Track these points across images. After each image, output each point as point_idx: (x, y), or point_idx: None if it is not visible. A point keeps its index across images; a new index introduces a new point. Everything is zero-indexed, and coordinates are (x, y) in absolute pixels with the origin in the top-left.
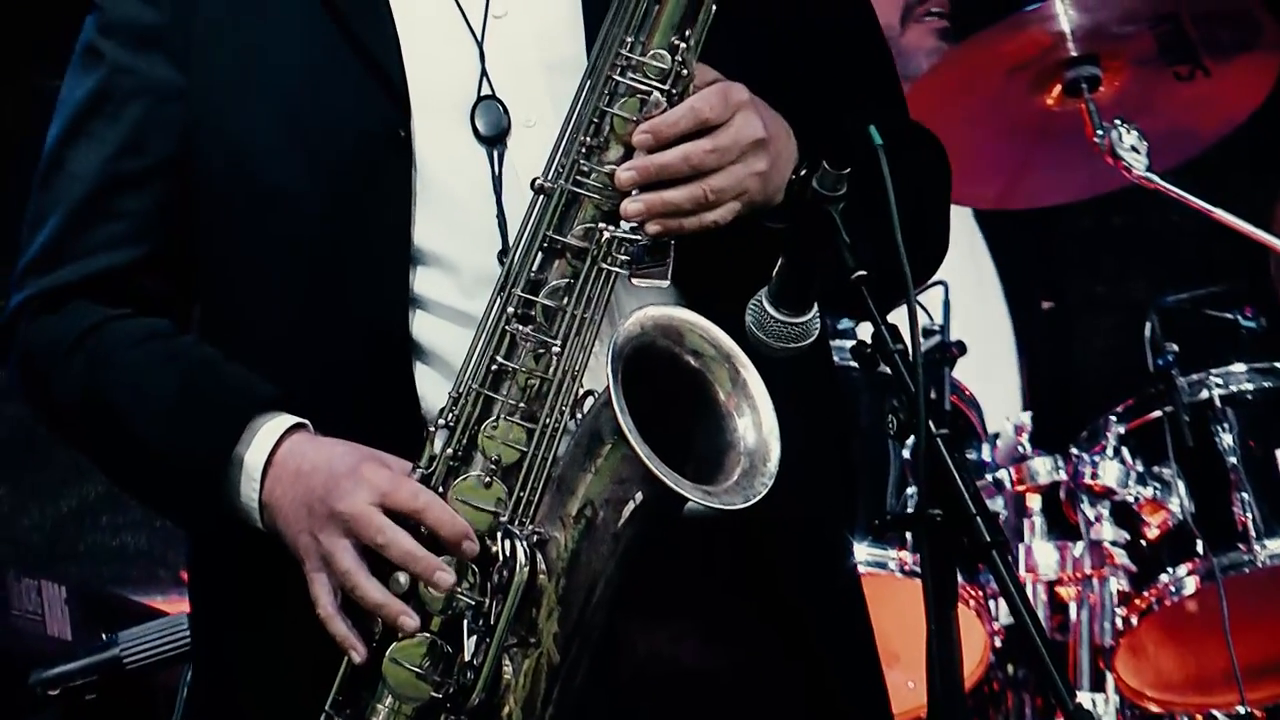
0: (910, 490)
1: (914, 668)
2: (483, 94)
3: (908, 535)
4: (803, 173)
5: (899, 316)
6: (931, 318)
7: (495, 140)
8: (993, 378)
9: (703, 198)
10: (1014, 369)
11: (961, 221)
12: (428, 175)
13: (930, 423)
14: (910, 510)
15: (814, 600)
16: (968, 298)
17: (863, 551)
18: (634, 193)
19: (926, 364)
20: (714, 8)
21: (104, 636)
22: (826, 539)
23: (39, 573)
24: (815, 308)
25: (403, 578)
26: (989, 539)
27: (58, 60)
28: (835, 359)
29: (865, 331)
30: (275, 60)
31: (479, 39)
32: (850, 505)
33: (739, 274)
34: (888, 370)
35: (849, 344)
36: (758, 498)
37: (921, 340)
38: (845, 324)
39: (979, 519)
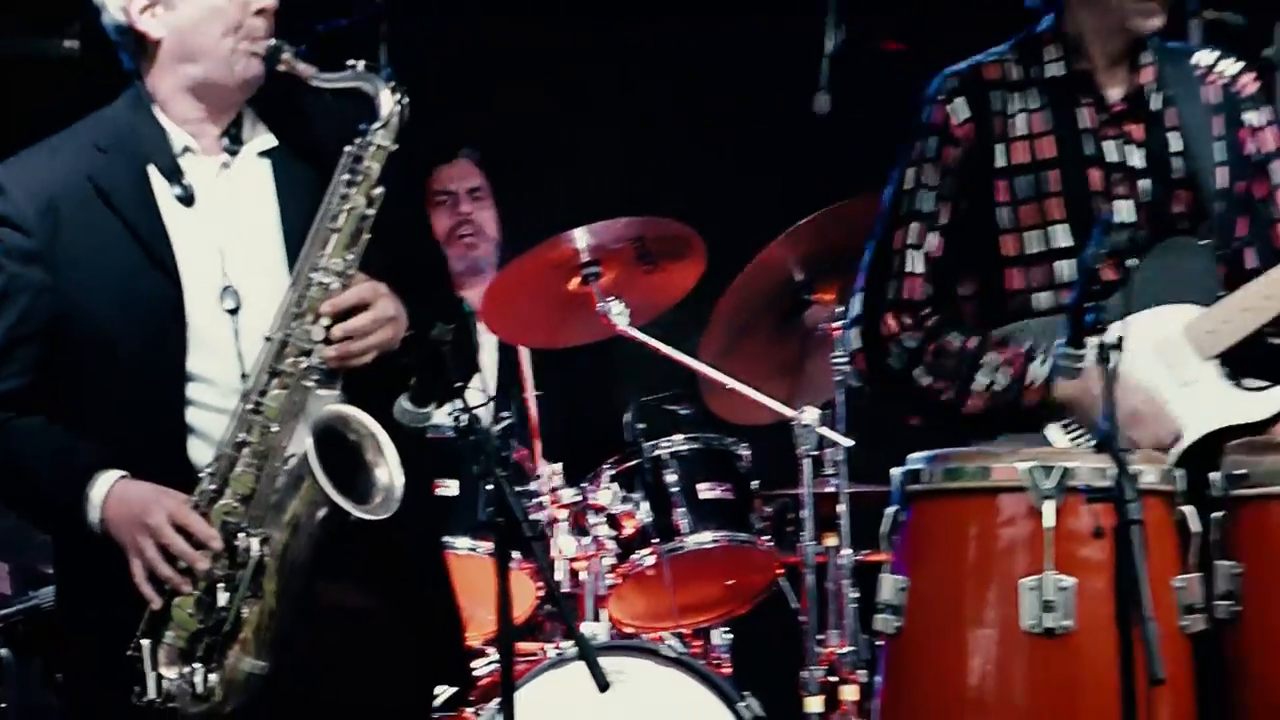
0: (490, 508)
1: (482, 608)
2: (226, 285)
3: (490, 534)
4: (410, 332)
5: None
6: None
7: (234, 311)
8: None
9: (365, 348)
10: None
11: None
12: (196, 330)
13: (498, 469)
14: (488, 519)
15: (422, 570)
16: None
17: (464, 542)
18: (331, 340)
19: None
20: (368, 237)
21: (29, 593)
22: (428, 535)
23: None
24: (432, 404)
25: (182, 563)
26: (531, 535)
27: None
28: (443, 431)
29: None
30: (103, 269)
31: (222, 251)
32: (442, 517)
33: (378, 385)
34: (475, 437)
35: (452, 421)
36: (390, 512)
37: (489, 414)
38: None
39: (524, 524)
